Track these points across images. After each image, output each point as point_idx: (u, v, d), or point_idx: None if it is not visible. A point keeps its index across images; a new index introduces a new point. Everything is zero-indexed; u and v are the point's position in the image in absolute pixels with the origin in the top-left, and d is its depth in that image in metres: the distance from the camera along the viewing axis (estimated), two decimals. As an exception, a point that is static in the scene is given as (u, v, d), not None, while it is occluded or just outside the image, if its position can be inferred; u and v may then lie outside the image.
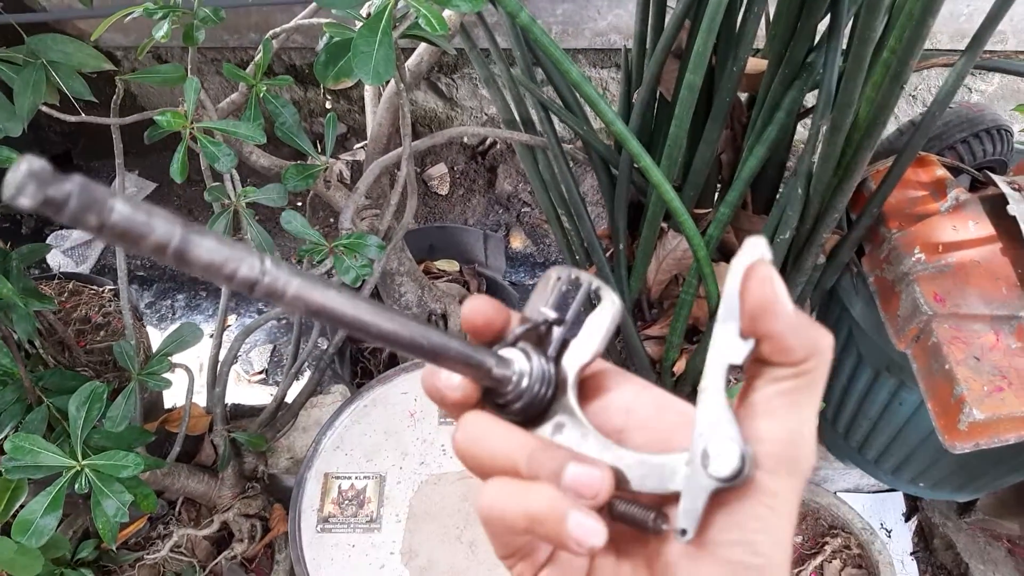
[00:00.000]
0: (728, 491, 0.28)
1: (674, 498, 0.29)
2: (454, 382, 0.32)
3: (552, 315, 0.33)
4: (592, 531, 0.28)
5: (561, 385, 0.32)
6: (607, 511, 0.30)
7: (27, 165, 0.19)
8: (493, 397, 0.32)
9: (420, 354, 0.28)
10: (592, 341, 0.32)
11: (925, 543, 1.59)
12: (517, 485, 0.29)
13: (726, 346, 0.28)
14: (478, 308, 0.33)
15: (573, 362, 0.32)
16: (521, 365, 0.32)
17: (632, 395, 0.33)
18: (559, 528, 0.28)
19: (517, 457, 0.30)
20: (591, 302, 0.33)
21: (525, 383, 0.31)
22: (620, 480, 0.30)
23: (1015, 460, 1.22)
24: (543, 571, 0.33)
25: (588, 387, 0.34)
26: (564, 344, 0.33)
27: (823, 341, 0.28)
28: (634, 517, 0.30)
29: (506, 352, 0.32)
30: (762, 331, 0.27)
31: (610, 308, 0.33)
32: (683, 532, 0.28)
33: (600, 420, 0.32)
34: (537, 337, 0.33)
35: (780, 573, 0.28)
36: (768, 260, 0.28)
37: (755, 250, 0.28)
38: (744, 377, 0.30)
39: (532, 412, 0.32)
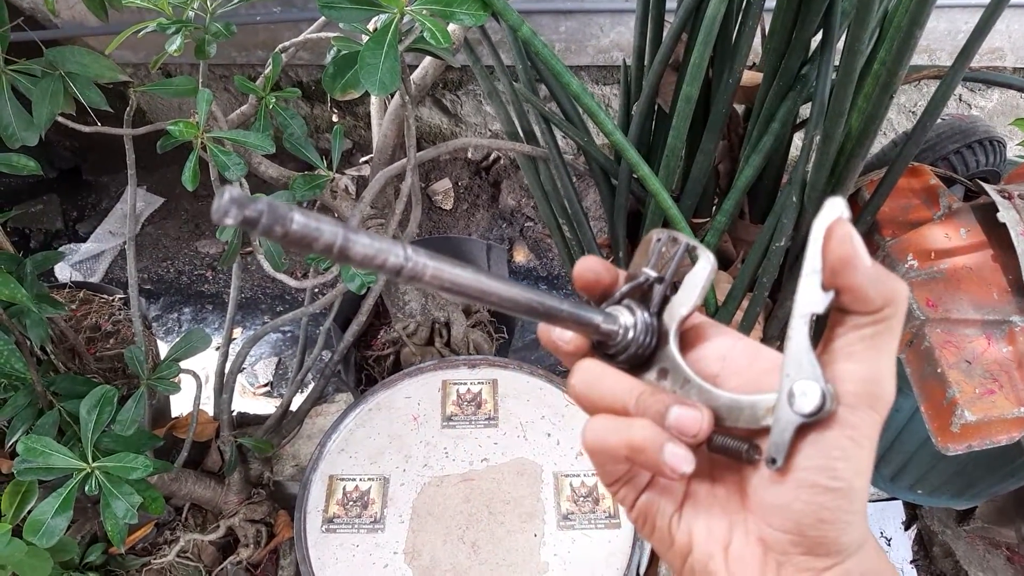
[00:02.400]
0: (812, 425, 0.31)
1: (765, 432, 0.32)
2: (567, 336, 0.36)
3: (653, 274, 0.37)
4: (684, 459, 0.32)
5: (663, 336, 0.36)
6: (706, 444, 0.34)
7: (228, 193, 0.23)
8: (603, 348, 0.36)
9: (536, 316, 0.32)
10: (691, 296, 0.36)
11: (925, 551, 1.60)
12: (621, 420, 0.34)
13: (809, 298, 0.31)
14: (589, 266, 0.37)
15: (674, 315, 0.36)
16: (626, 320, 0.36)
17: (728, 345, 0.36)
18: (657, 457, 0.32)
19: (626, 398, 0.34)
20: (688, 260, 0.37)
21: (631, 335, 0.35)
22: (717, 419, 0.34)
23: (1010, 466, 1.24)
24: (644, 495, 0.37)
25: (688, 337, 0.37)
26: (665, 299, 0.36)
27: (899, 291, 0.30)
28: (730, 448, 0.34)
29: (613, 309, 0.36)
30: (842, 283, 0.30)
31: (706, 266, 0.36)
32: (773, 461, 0.32)
33: (699, 367, 0.36)
34: (641, 294, 0.37)
35: (859, 497, 0.31)
36: (847, 219, 0.30)
37: (834, 210, 0.30)
38: (827, 326, 0.32)
39: (637, 360, 0.36)
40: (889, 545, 1.61)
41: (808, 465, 0.31)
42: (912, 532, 1.62)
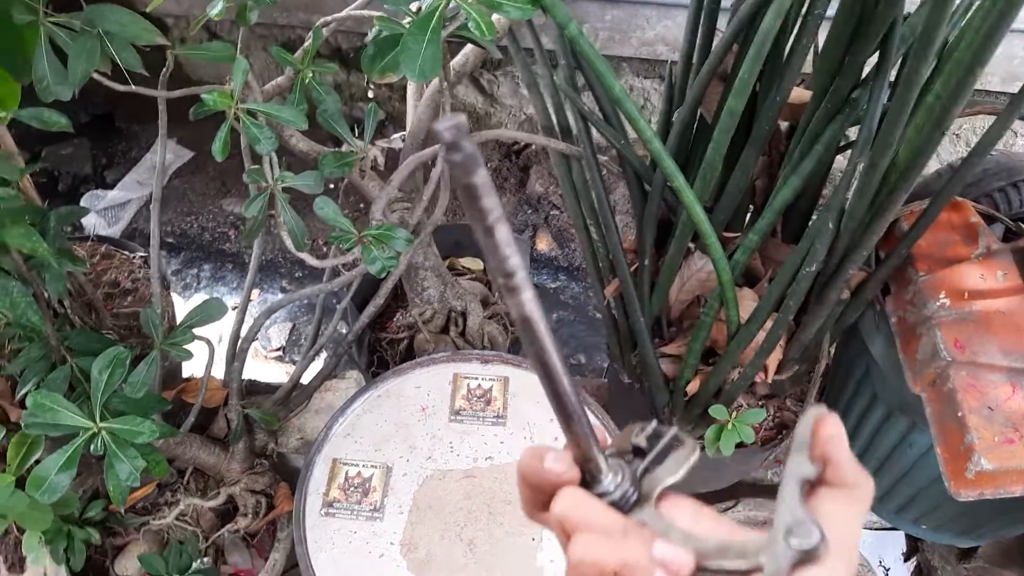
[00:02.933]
0: (802, 562, 0.34)
1: (749, 571, 0.35)
2: (560, 467, 0.38)
3: (644, 444, 0.40)
4: None
5: (644, 497, 0.39)
6: None
7: (459, 119, 0.27)
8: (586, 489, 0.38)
9: (567, 413, 0.35)
10: (676, 469, 0.39)
11: (922, 585, 1.59)
12: (615, 538, 0.36)
13: (800, 467, 0.36)
14: (543, 463, 0.38)
15: (655, 483, 0.39)
16: (617, 472, 0.38)
17: (694, 509, 0.40)
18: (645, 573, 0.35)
19: (613, 529, 0.36)
20: (673, 445, 0.40)
21: (619, 486, 0.38)
22: (701, 560, 0.36)
23: (1021, 511, 1.22)
24: None
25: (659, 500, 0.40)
26: (647, 470, 0.39)
27: (868, 476, 0.37)
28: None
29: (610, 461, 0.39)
30: (829, 456, 0.36)
31: (691, 449, 0.40)
32: None
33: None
34: (625, 454, 0.40)
35: None
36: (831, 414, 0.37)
37: (819, 410, 0.37)
38: (810, 497, 0.37)
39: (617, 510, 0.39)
40: (887, 575, 1.59)
41: None
42: (911, 565, 1.61)
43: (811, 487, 0.37)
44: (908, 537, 1.62)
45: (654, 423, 0.41)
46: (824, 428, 0.36)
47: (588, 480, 0.38)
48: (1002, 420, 1.00)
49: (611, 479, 0.38)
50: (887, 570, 1.59)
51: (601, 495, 0.38)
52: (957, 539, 1.43)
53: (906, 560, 1.61)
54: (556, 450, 0.38)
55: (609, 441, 0.41)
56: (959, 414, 1.01)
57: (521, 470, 0.38)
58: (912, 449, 1.24)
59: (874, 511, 1.46)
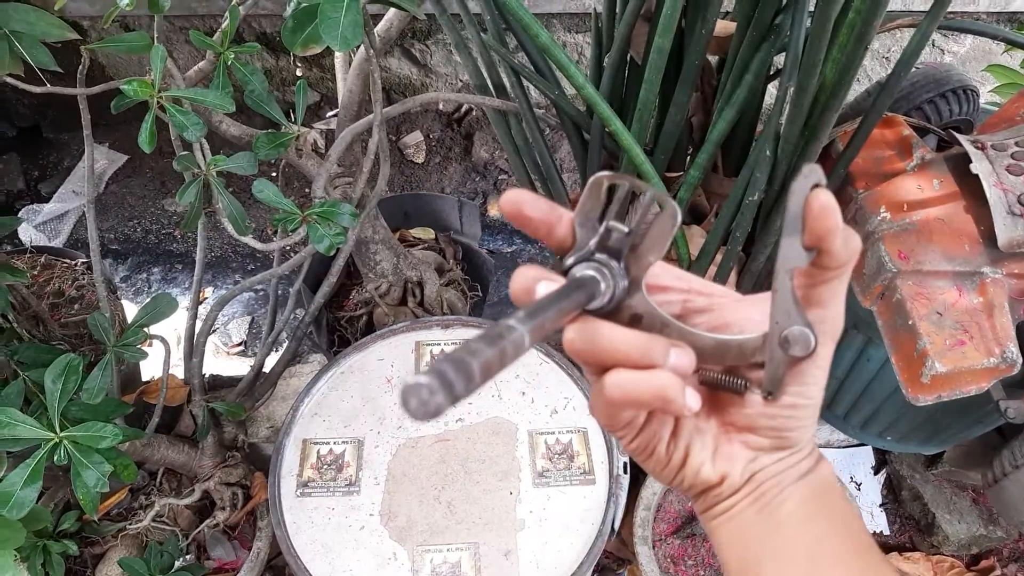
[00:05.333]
0: (797, 361, 0.38)
1: (748, 366, 0.39)
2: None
3: (623, 228, 0.38)
4: (696, 400, 0.39)
5: (634, 284, 0.39)
6: (699, 380, 0.41)
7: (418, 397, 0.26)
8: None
9: (557, 324, 0.35)
10: (658, 245, 0.38)
11: (894, 495, 1.64)
12: (643, 373, 0.37)
13: (792, 255, 0.36)
14: (523, 203, 0.39)
15: (642, 264, 0.38)
16: (605, 277, 0.38)
17: (684, 286, 0.43)
18: (679, 400, 0.37)
19: (627, 349, 0.37)
20: (652, 211, 0.38)
21: (610, 291, 0.38)
22: (701, 357, 0.39)
23: (978, 412, 1.26)
24: (643, 431, 0.43)
25: (648, 280, 0.41)
26: (632, 248, 0.38)
27: (858, 245, 0.37)
28: (724, 383, 0.41)
29: (588, 266, 0.39)
30: (824, 247, 0.35)
31: (671, 215, 0.38)
32: (769, 393, 0.39)
33: (665, 310, 0.41)
34: (606, 242, 0.39)
35: (818, 407, 0.41)
36: (825, 185, 0.35)
37: (812, 176, 0.34)
38: (803, 286, 0.38)
39: (611, 309, 0.39)
40: (859, 489, 1.64)
41: (791, 391, 0.39)
42: (881, 477, 1.66)
43: (802, 270, 0.37)
44: (876, 451, 1.67)
45: (627, 183, 0.38)
46: (817, 214, 0.34)
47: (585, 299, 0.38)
48: (951, 324, 1.03)
49: (603, 290, 0.37)
50: (858, 485, 1.64)
51: (595, 308, 0.38)
52: (922, 447, 1.48)
53: (876, 473, 1.65)
54: (547, 276, 0.38)
55: (566, 220, 0.39)
56: (910, 322, 1.03)
57: (514, 294, 0.38)
58: (870, 363, 1.27)
59: (840, 428, 1.49)
